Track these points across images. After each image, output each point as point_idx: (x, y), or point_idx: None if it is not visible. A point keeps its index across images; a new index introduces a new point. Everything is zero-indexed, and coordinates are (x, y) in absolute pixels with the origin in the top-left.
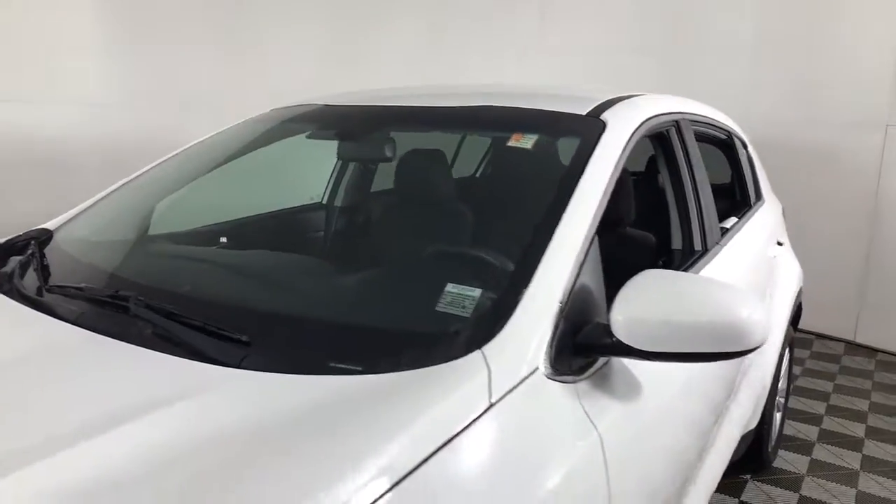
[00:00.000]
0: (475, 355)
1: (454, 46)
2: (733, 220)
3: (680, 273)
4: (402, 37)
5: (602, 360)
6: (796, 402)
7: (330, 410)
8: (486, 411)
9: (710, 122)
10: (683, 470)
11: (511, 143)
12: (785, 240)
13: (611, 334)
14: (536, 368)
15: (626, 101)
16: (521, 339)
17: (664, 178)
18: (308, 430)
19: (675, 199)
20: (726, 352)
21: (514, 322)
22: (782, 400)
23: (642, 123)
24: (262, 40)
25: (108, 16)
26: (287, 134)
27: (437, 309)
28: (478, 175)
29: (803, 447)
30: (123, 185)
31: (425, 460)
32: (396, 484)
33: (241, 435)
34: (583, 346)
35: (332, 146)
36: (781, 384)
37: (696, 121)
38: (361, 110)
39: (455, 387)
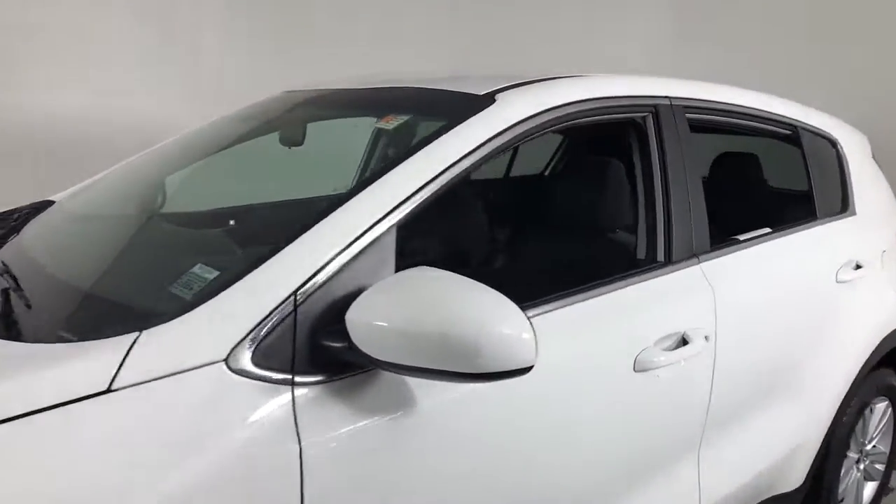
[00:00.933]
0: (126, 337)
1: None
2: (763, 230)
3: (449, 275)
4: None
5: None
6: None
7: None
8: (94, 396)
9: (745, 111)
10: None
11: (380, 124)
12: (877, 263)
13: (348, 338)
14: (218, 361)
15: (545, 83)
16: (201, 328)
17: (636, 175)
18: None
19: (644, 199)
20: (475, 373)
21: (206, 308)
22: (880, 467)
23: (551, 109)
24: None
25: None
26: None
27: (169, 288)
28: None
29: None
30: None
31: None
32: None
33: None
34: (322, 348)
35: None
36: (870, 444)
37: (707, 108)
38: (308, 95)
39: (71, 365)
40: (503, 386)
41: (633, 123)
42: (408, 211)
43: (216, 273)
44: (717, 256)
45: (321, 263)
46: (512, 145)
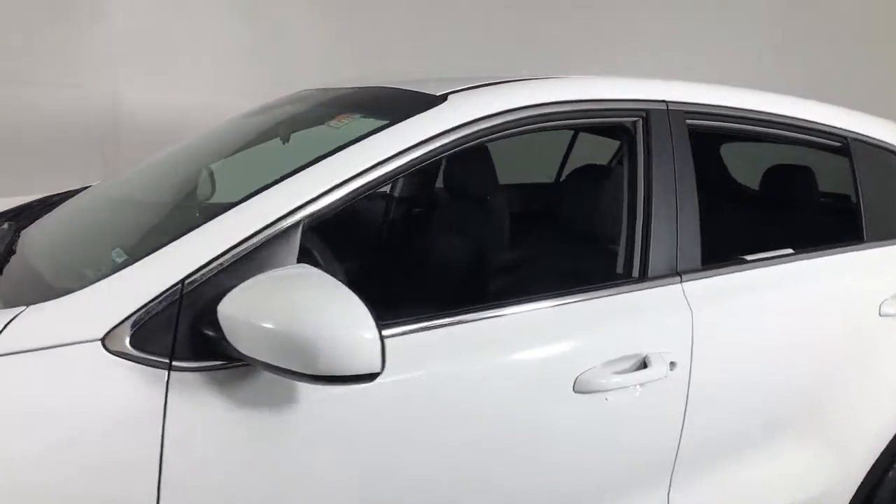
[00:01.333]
0: (14, 310)
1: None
2: (784, 251)
3: (317, 274)
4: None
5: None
6: None
7: None
8: None
9: (774, 119)
10: None
11: (332, 123)
12: None
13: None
14: (94, 339)
15: (511, 84)
16: (82, 307)
17: (622, 184)
18: None
19: (626, 210)
20: (316, 375)
21: (92, 289)
22: None
23: (508, 111)
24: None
25: None
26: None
27: (82, 269)
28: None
29: None
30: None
31: None
32: None
33: None
34: (204, 338)
35: None
36: None
37: (720, 115)
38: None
39: None
40: (400, 394)
41: (623, 129)
42: (318, 208)
43: (125, 258)
44: (708, 276)
45: (214, 255)
46: (458, 147)
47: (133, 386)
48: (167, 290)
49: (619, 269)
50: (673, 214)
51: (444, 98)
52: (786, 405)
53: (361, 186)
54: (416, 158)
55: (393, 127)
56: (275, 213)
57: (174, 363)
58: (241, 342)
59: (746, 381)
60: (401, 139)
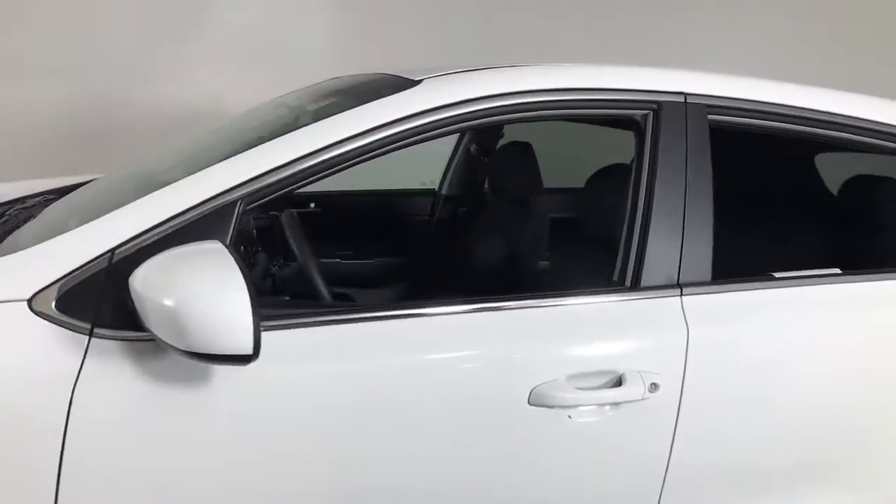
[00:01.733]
0: None
1: None
2: (831, 270)
3: (215, 251)
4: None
5: None
6: None
7: None
8: None
9: (824, 119)
10: None
11: (310, 107)
12: None
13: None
14: (20, 299)
15: (487, 70)
16: (12, 268)
17: (627, 182)
18: None
19: (628, 211)
20: (189, 351)
21: (26, 252)
22: None
23: (479, 98)
24: None
25: None
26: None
27: (40, 234)
28: None
29: None
30: None
31: None
32: None
33: None
34: (127, 308)
35: None
36: None
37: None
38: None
39: None
40: (318, 382)
41: (633, 123)
42: (256, 188)
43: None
44: (717, 292)
45: (145, 227)
46: (425, 132)
47: (52, 347)
48: (96, 258)
49: (614, 277)
50: (678, 220)
51: (418, 82)
52: (828, 444)
53: (305, 169)
54: (372, 143)
55: (348, 111)
56: (210, 191)
57: (96, 330)
58: (143, 315)
59: (758, 417)
60: (354, 123)
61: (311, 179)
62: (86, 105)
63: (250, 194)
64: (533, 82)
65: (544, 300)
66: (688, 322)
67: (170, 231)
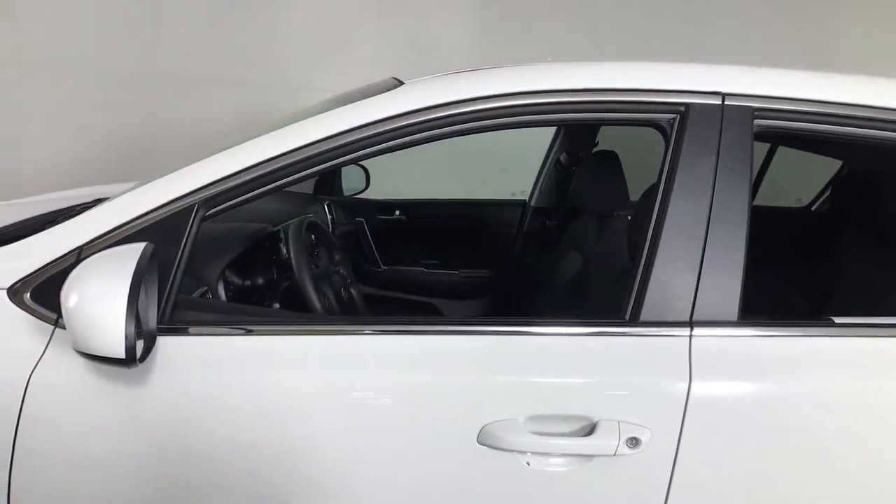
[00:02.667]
0: None
1: None
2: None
3: (127, 253)
4: None
5: None
6: None
7: None
8: None
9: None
10: None
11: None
12: None
13: None
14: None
15: (480, 72)
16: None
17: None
18: None
19: (637, 230)
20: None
21: (14, 245)
22: None
23: (461, 101)
24: None
25: None
26: None
27: None
28: None
29: None
30: None
31: None
32: None
33: None
34: None
35: None
36: None
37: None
38: None
39: None
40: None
41: (660, 129)
42: (213, 193)
43: None
44: (741, 336)
45: (110, 227)
46: (397, 139)
47: (21, 332)
48: (66, 254)
49: (617, 309)
50: (696, 243)
51: (400, 84)
52: None
53: (264, 175)
54: (331, 150)
55: (317, 115)
56: (166, 196)
57: (60, 320)
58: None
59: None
60: (315, 129)
61: (274, 185)
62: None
63: (208, 199)
64: (534, 83)
65: (518, 326)
66: (693, 369)
67: (132, 231)
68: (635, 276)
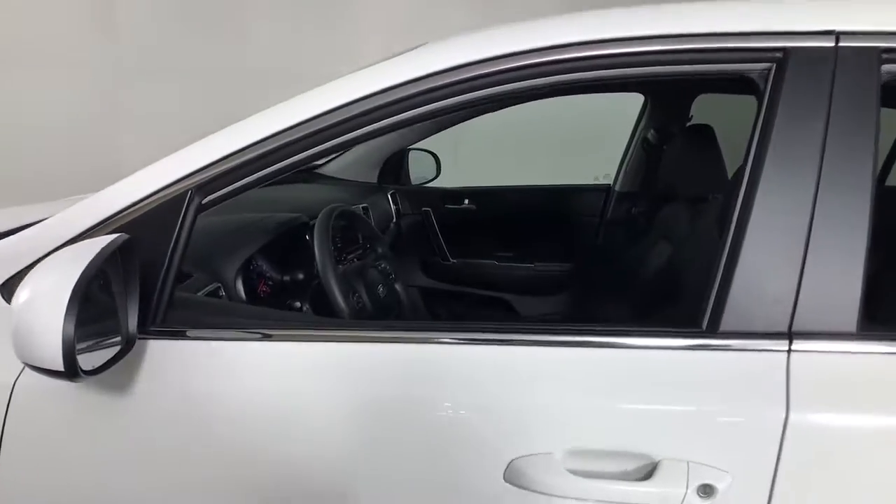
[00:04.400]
0: None
1: None
2: None
3: (69, 255)
4: None
5: None
6: None
7: None
8: None
9: None
10: None
11: None
12: None
13: None
14: None
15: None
16: None
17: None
18: None
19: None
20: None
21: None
22: None
23: (495, 59)
24: None
25: None
26: None
27: None
28: None
29: None
30: None
31: None
32: None
33: None
34: None
35: None
36: None
37: None
38: None
39: None
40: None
41: (749, 84)
42: (204, 179)
43: None
44: (864, 352)
45: (91, 224)
46: (434, 100)
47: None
48: (38, 259)
49: (691, 316)
50: (798, 232)
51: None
52: None
53: (268, 154)
54: (347, 121)
55: (331, 83)
56: (156, 183)
57: None
58: None
59: None
60: (330, 96)
61: (281, 164)
62: None
63: (203, 185)
64: (596, 30)
65: (562, 335)
66: (791, 394)
67: (120, 224)
68: (715, 273)
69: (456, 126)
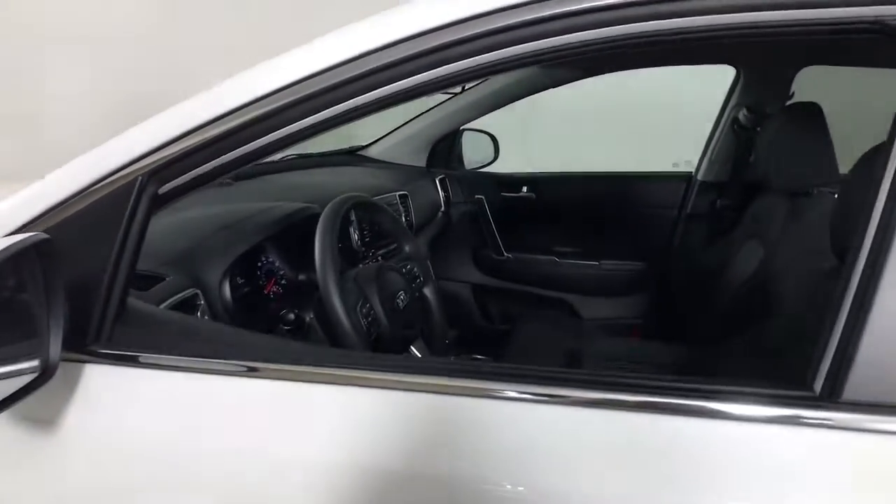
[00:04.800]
0: None
1: None
2: None
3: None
4: None
5: None
6: None
7: None
8: None
9: None
10: None
11: None
12: None
13: None
14: None
15: None
16: None
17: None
18: None
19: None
20: None
21: None
22: None
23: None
24: None
25: None
26: None
27: None
28: None
29: None
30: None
31: None
32: None
33: None
34: None
35: None
36: None
37: None
38: None
39: None
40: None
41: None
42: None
43: None
44: None
45: (39, 211)
46: (440, 63)
47: None
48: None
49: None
50: None
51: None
52: None
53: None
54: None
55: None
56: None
57: None
58: None
59: None
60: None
61: (259, 144)
62: None
63: (158, 170)
64: None
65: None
66: None
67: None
68: (841, 316)
69: (524, 102)
